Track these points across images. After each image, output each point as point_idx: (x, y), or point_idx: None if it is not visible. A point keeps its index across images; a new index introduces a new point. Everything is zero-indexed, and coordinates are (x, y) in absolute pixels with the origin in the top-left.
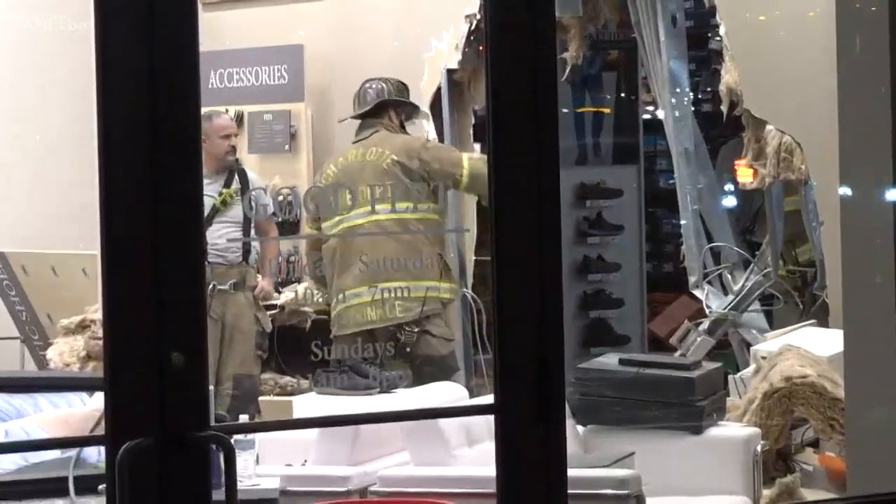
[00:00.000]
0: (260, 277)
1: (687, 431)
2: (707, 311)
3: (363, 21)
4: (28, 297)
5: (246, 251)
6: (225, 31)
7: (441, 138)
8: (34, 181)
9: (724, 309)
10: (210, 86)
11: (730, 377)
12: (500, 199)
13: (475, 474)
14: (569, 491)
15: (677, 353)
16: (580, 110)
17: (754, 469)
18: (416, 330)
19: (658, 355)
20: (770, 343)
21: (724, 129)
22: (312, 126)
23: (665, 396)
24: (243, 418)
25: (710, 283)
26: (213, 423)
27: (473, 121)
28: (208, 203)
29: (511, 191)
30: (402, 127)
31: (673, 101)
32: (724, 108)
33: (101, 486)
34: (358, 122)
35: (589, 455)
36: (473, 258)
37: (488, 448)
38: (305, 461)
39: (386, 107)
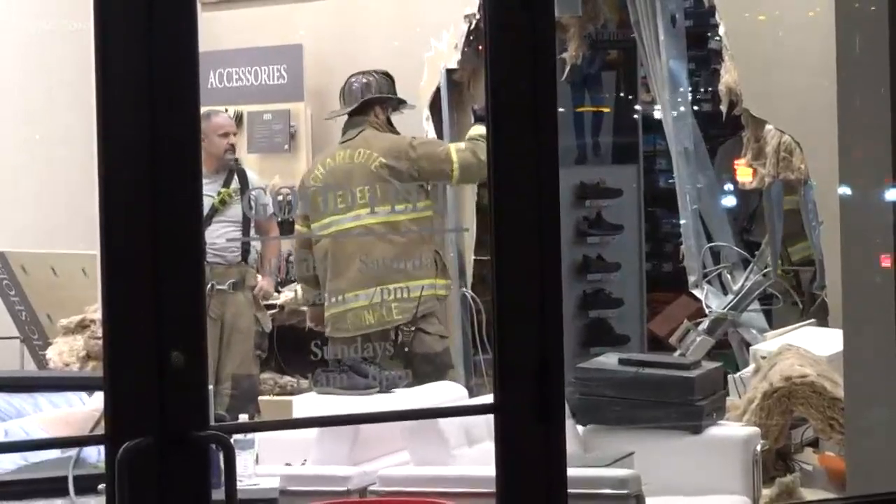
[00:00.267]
0: (260, 277)
1: (686, 431)
2: (706, 310)
3: (363, 21)
4: (28, 296)
5: (245, 251)
6: (224, 30)
7: (441, 138)
8: (42, 184)
9: (724, 308)
10: (209, 85)
11: (729, 377)
12: (500, 199)
13: (475, 474)
14: (568, 490)
15: (677, 353)
16: (580, 110)
17: (754, 469)
18: (412, 329)
19: (658, 355)
20: (770, 343)
21: (723, 128)
22: (312, 126)
23: (665, 396)
24: (243, 418)
25: (709, 282)
26: (212, 423)
27: (473, 121)
28: (207, 203)
29: (511, 191)
30: (389, 122)
31: (678, 99)
32: (723, 107)
33: (101, 486)
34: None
35: (588, 455)
36: (473, 258)
37: (488, 448)
38: (305, 461)
39: (371, 103)
